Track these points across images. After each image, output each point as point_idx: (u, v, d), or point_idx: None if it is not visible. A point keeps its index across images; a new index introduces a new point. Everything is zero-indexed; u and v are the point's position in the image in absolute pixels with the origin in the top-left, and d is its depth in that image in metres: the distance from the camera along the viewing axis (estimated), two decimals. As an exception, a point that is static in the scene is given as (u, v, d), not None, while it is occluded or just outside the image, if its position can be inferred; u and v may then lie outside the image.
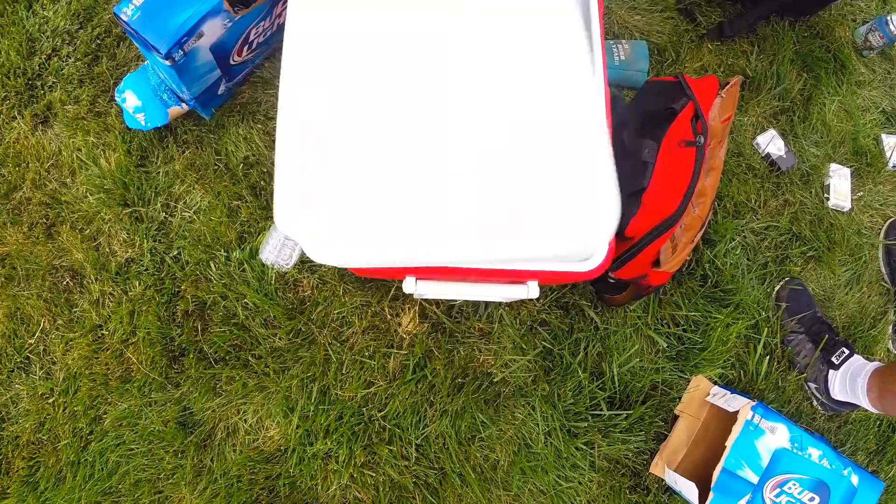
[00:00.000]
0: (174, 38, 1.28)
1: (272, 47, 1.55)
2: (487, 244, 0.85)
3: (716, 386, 1.47)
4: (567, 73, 0.88)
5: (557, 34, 0.90)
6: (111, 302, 1.49)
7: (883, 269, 1.71)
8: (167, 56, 1.30)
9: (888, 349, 1.66)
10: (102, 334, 1.47)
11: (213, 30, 1.34)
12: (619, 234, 1.12)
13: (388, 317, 1.41)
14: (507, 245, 0.85)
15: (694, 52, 1.68)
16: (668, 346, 1.45)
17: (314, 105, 0.89)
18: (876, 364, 1.43)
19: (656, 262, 1.21)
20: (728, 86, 1.22)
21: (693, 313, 1.47)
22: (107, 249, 1.51)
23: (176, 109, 1.49)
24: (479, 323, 1.41)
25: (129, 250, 1.50)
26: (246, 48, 1.47)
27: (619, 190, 0.82)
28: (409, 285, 1.04)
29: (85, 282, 1.48)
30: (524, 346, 1.40)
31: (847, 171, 1.74)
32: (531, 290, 1.01)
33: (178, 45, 1.30)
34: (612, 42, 1.53)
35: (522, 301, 1.41)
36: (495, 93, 0.89)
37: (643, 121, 1.16)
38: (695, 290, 1.49)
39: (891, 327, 1.66)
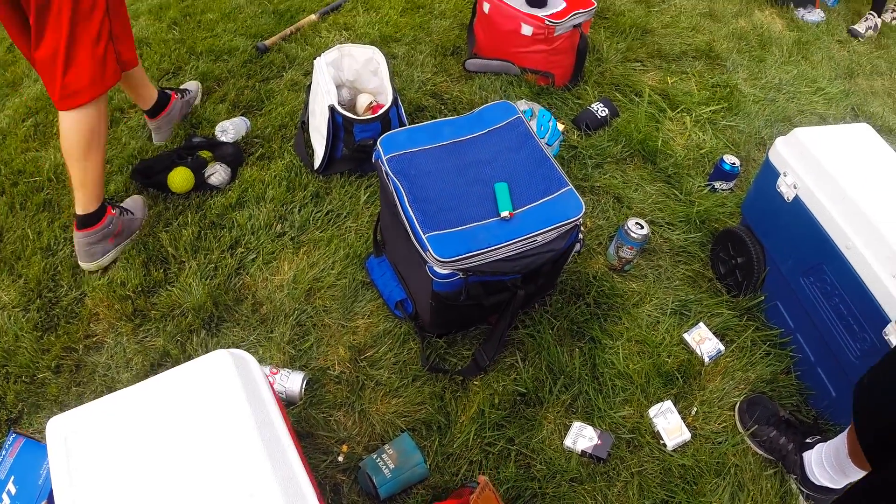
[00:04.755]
0: None
1: None
2: None
3: None
4: None
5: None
6: None
7: (760, 452, 1.71)
8: None
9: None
10: None
11: None
12: None
13: None
14: None
15: (462, 399, 1.74)
16: None
17: None
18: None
19: None
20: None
21: None
22: None
23: None
24: None
25: None
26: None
27: None
28: None
29: None
30: None
31: (668, 404, 1.77)
32: None
33: None
34: (374, 457, 1.59)
35: None
36: None
37: None
38: None
39: (801, 497, 1.64)
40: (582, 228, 1.71)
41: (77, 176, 1.88)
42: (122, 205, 2.10)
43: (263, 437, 1.19)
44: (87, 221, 1.93)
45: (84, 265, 1.98)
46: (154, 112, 2.35)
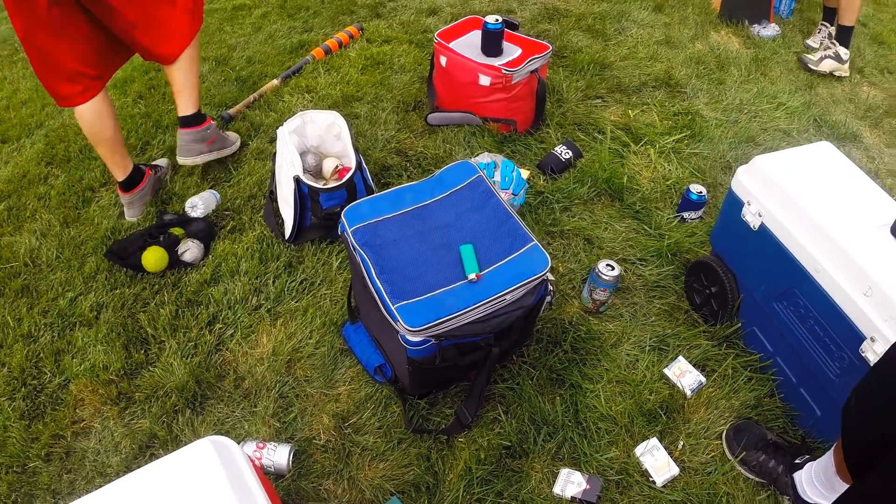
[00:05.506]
0: None
1: None
2: None
3: None
4: None
5: None
6: None
7: (751, 476, 1.74)
8: None
9: None
10: None
11: None
12: None
13: None
14: None
15: (448, 458, 1.78)
16: None
17: None
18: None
19: None
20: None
21: None
22: None
23: None
24: None
25: None
26: None
27: None
28: None
29: None
30: None
31: (654, 441, 1.80)
32: None
33: None
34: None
35: None
36: None
37: None
38: None
39: None
40: (552, 278, 1.76)
41: (178, 82, 2.38)
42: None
43: (250, 524, 1.23)
44: (188, 122, 2.40)
45: (182, 160, 2.47)
46: (128, 185, 2.41)
